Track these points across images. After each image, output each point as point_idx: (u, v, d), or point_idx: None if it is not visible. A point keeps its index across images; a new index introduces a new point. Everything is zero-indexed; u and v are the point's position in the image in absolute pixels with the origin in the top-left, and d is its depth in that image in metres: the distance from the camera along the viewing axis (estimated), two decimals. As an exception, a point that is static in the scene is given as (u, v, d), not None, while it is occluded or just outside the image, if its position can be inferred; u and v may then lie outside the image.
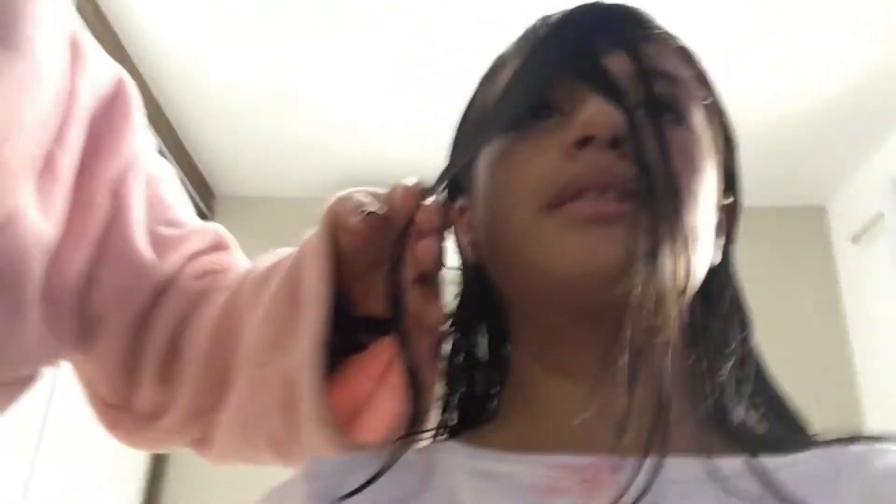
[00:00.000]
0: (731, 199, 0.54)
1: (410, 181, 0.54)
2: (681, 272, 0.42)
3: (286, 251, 0.63)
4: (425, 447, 0.51)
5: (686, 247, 0.43)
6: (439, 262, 0.54)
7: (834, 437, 0.46)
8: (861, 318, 2.45)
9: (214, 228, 0.72)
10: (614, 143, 0.44)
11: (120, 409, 0.65)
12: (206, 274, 0.67)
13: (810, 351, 2.45)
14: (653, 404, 0.41)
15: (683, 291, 0.43)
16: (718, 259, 0.51)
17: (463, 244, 0.57)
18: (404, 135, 2.40)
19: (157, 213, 0.66)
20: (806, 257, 2.61)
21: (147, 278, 0.64)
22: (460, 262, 0.57)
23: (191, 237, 0.68)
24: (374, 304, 0.56)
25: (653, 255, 0.41)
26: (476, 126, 0.55)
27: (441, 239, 0.53)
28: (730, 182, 0.54)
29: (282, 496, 0.48)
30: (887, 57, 2.07)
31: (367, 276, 0.57)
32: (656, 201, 0.42)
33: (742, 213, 0.54)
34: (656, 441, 0.40)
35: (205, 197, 2.65)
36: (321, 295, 0.53)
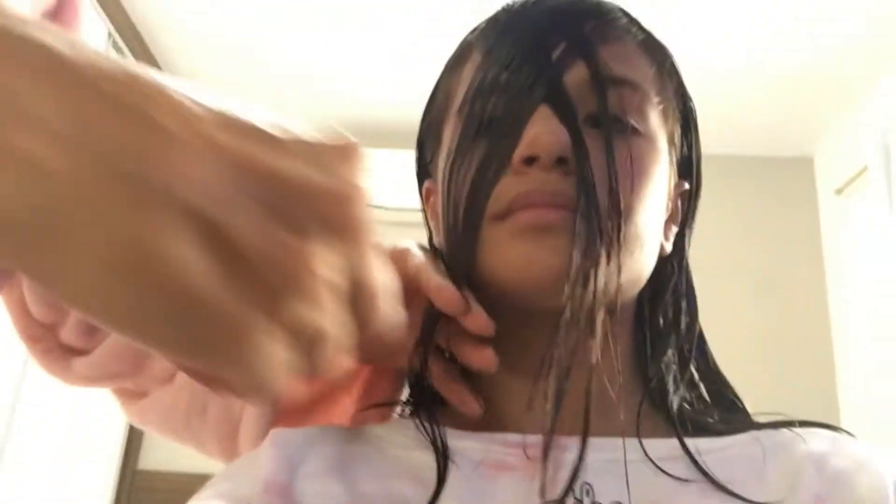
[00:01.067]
0: (686, 187, 0.55)
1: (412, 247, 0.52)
2: (612, 287, 0.44)
3: None
4: (388, 422, 0.54)
5: (620, 262, 0.45)
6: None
7: (765, 421, 0.49)
8: (839, 270, 2.49)
9: None
10: (560, 161, 0.46)
11: (48, 333, 0.60)
12: None
13: (791, 300, 2.50)
14: (585, 393, 0.44)
15: (614, 302, 0.45)
16: (669, 249, 0.53)
17: (430, 223, 0.58)
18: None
19: None
20: (792, 207, 2.64)
21: None
22: (429, 243, 0.59)
23: None
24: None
25: (587, 270, 0.44)
26: (439, 123, 0.56)
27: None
28: (688, 167, 0.55)
29: (246, 463, 0.49)
30: (877, 9, 2.05)
31: None
32: (596, 221, 0.44)
33: (698, 199, 0.55)
34: (587, 425, 0.44)
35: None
36: None
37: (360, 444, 0.50)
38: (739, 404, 0.52)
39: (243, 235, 0.24)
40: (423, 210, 0.61)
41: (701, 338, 0.54)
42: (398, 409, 0.57)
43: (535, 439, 0.47)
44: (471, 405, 0.50)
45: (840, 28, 2.10)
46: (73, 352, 0.59)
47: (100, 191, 0.22)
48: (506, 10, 0.53)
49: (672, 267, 0.53)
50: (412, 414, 0.55)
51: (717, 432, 0.49)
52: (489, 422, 0.50)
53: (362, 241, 0.28)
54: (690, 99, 0.54)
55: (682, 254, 0.54)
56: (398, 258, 0.50)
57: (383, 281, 0.30)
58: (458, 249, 0.49)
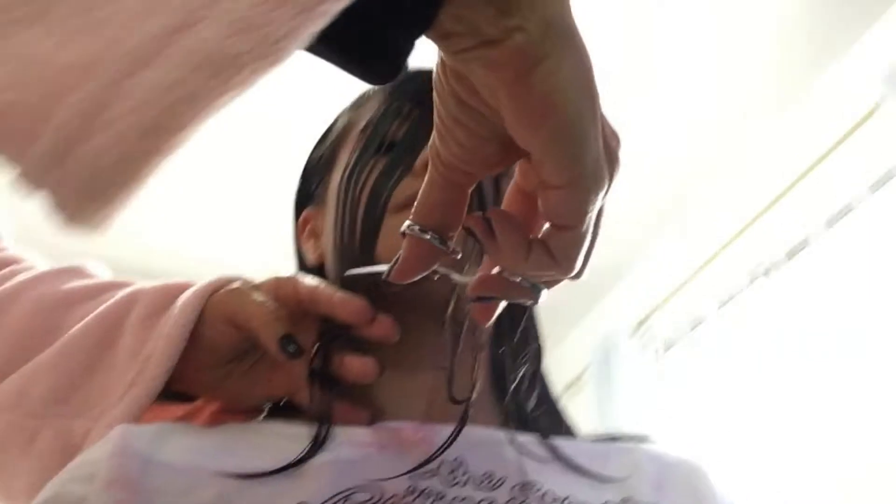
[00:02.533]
0: None
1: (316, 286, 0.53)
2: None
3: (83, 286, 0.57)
4: (250, 422, 0.53)
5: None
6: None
7: (602, 435, 0.57)
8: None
9: None
10: None
11: None
12: None
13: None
14: (465, 388, 0.50)
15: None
16: None
17: (304, 248, 0.62)
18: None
19: None
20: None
21: None
22: (299, 265, 0.62)
23: None
24: (197, 387, 0.53)
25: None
26: (333, 150, 0.61)
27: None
28: None
29: (82, 462, 0.46)
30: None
31: (208, 366, 0.52)
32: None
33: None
34: (464, 410, 0.48)
35: None
36: (158, 378, 0.49)
37: (222, 434, 0.49)
38: (574, 428, 0.60)
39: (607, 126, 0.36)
40: (296, 239, 0.64)
41: (544, 373, 0.61)
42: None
43: (402, 424, 0.50)
44: (360, 417, 0.51)
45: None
46: None
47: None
48: (407, 69, 0.62)
49: (519, 312, 0.61)
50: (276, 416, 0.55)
51: (562, 436, 0.56)
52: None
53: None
54: None
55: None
56: (285, 284, 0.52)
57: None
58: (357, 238, 0.53)
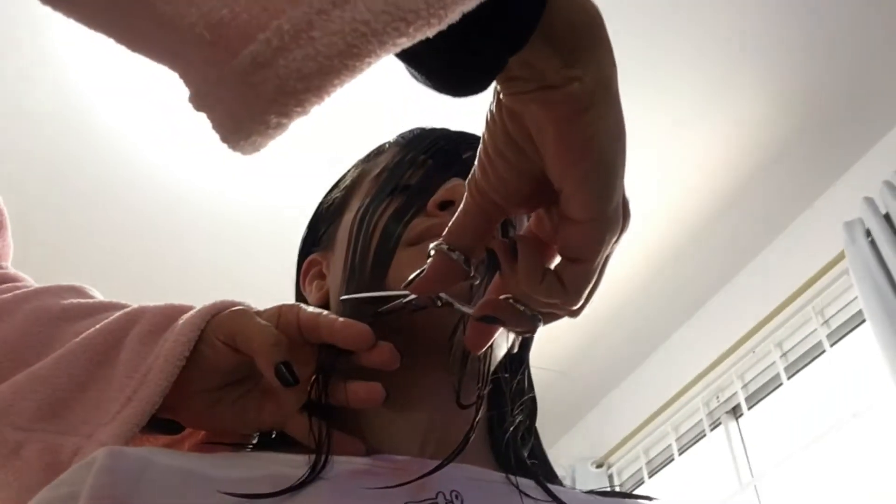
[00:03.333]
0: None
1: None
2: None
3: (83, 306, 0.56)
4: (240, 452, 0.52)
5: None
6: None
7: (598, 490, 0.57)
8: None
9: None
10: None
11: None
12: None
13: None
14: (461, 426, 0.50)
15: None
16: (516, 348, 0.62)
17: (307, 291, 0.63)
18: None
19: None
20: None
21: None
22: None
23: None
24: (186, 414, 0.52)
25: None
26: (345, 197, 0.64)
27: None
28: None
29: (64, 481, 0.44)
30: (557, 375, 2.47)
31: (198, 392, 0.51)
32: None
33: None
34: (463, 440, 0.48)
35: None
36: (156, 395, 0.48)
37: (213, 458, 0.48)
38: (563, 483, 0.59)
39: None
40: (298, 283, 0.65)
41: (536, 430, 0.61)
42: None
43: (402, 458, 0.50)
44: (357, 448, 0.50)
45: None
46: None
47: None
48: (420, 127, 0.65)
49: (518, 361, 0.62)
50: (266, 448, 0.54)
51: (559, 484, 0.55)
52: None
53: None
54: None
55: (525, 356, 0.63)
56: (288, 312, 0.51)
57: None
58: (368, 269, 0.54)
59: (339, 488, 0.45)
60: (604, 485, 2.37)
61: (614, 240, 0.40)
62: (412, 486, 0.47)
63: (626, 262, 2.18)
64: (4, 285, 0.58)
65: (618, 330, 2.36)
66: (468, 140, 0.62)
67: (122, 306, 0.56)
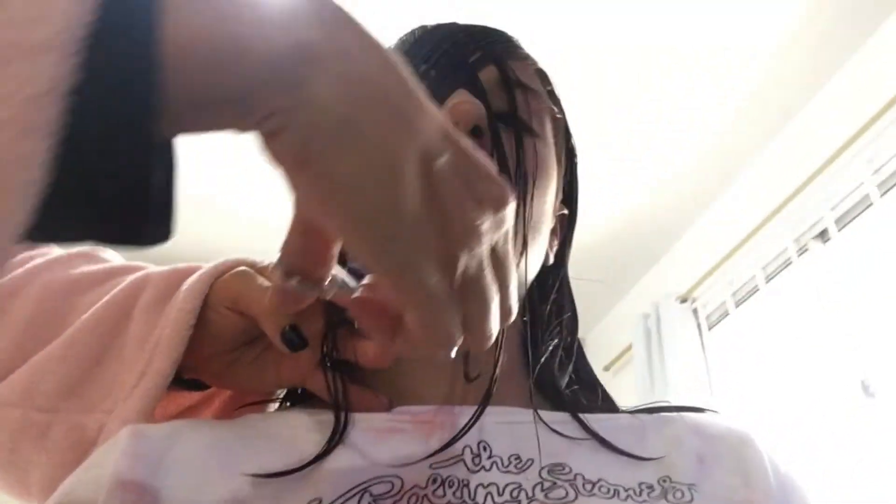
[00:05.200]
0: (565, 211, 0.61)
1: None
2: (521, 265, 0.48)
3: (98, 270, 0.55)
4: (268, 413, 0.52)
5: (525, 239, 0.49)
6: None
7: (641, 406, 0.53)
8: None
9: None
10: (475, 132, 0.49)
11: None
12: None
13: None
14: (495, 361, 0.47)
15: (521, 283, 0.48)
16: (552, 261, 0.58)
17: None
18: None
19: None
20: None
21: None
22: None
23: None
24: (207, 375, 0.51)
25: None
26: None
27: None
28: (567, 195, 0.61)
29: (92, 463, 0.44)
30: (641, 206, 2.41)
31: (214, 354, 0.50)
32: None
33: (574, 225, 0.61)
34: (486, 392, 0.46)
35: None
36: (168, 367, 0.47)
37: (239, 428, 0.47)
38: (612, 401, 0.56)
39: (446, 185, 0.31)
40: None
41: (579, 344, 0.58)
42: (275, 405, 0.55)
43: (423, 408, 0.47)
44: (379, 403, 0.48)
45: (612, 223, 2.43)
46: None
47: (383, 113, 0.29)
48: (421, 27, 0.58)
49: (554, 276, 0.58)
50: (292, 406, 0.53)
51: (599, 411, 0.52)
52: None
53: (508, 229, 0.35)
54: (572, 136, 0.61)
55: (563, 268, 0.59)
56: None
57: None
58: None
59: (358, 455, 0.44)
60: (688, 320, 2.36)
61: (434, 280, 0.31)
62: (436, 440, 0.45)
63: (705, 93, 2.04)
64: (19, 258, 0.57)
65: (697, 157, 2.25)
66: (476, 37, 0.55)
67: (132, 269, 0.55)
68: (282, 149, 0.28)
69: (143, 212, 0.26)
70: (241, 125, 0.28)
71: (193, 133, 0.27)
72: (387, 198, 0.29)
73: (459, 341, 0.34)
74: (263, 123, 0.28)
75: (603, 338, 2.82)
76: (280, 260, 0.38)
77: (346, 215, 0.30)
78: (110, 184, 0.25)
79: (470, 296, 0.33)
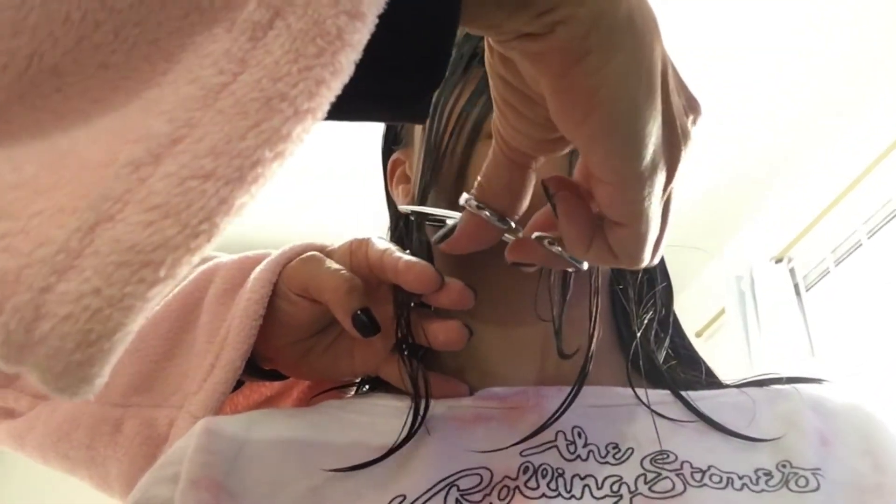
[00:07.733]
0: None
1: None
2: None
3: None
4: (347, 399, 0.50)
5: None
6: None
7: (750, 379, 0.49)
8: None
9: None
10: None
11: None
12: None
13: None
14: (580, 340, 0.44)
15: None
16: None
17: (395, 195, 0.57)
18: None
19: None
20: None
21: None
22: (391, 215, 0.58)
23: None
24: (282, 366, 0.50)
25: None
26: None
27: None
28: None
29: (168, 459, 0.43)
30: (730, 162, 2.30)
31: (289, 343, 0.48)
32: None
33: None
34: (581, 370, 0.43)
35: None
36: (237, 360, 0.45)
37: (317, 417, 0.45)
38: (715, 376, 0.52)
39: (672, 90, 0.32)
40: (386, 187, 0.59)
41: (675, 317, 0.53)
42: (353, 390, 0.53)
43: (510, 390, 0.44)
44: (458, 389, 0.46)
45: (700, 183, 2.32)
46: None
47: (647, 10, 0.31)
48: None
49: None
50: (372, 390, 0.51)
51: (702, 387, 0.48)
52: (464, 382, 0.47)
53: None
54: None
55: None
56: (358, 248, 0.47)
57: None
58: (448, 164, 0.47)
59: (443, 446, 0.41)
60: (785, 281, 2.24)
61: (659, 188, 0.32)
62: (526, 425, 0.42)
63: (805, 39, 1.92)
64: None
65: (793, 109, 2.13)
66: None
67: (202, 259, 0.54)
68: (556, 44, 0.28)
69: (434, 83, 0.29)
70: (517, 21, 0.28)
71: (467, 26, 0.29)
72: (648, 95, 0.30)
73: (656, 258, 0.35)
74: (541, 18, 0.28)
75: (693, 302, 2.73)
76: (478, 190, 0.37)
77: (610, 114, 0.29)
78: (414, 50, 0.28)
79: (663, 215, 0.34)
